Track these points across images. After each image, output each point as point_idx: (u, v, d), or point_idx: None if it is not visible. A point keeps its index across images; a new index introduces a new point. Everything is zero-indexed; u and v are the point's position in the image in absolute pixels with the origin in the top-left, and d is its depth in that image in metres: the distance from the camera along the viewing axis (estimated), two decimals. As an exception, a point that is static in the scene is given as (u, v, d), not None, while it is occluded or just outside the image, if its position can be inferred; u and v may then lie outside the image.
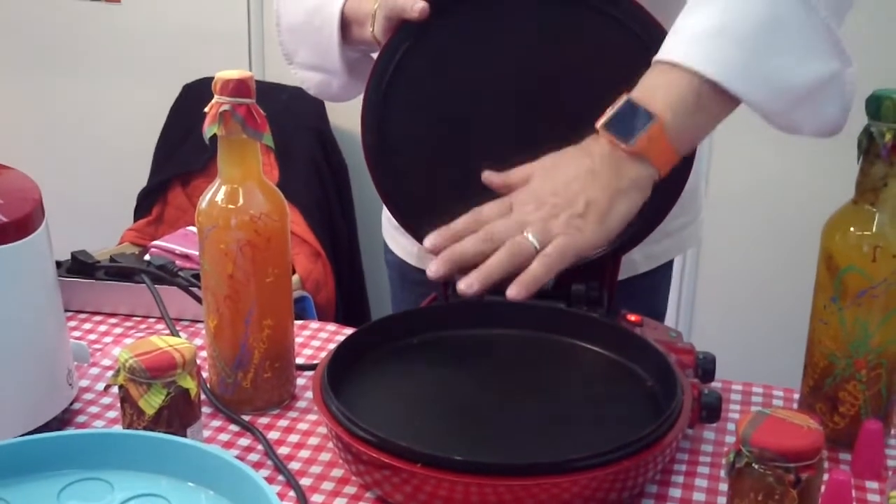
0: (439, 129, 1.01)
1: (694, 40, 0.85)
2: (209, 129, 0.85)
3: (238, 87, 0.85)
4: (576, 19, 0.95)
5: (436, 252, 0.89)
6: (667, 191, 0.93)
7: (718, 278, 2.14)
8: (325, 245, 2.24)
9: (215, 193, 0.88)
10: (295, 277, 2.11)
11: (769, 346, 1.96)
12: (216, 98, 0.85)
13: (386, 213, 1.23)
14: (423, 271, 0.96)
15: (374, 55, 1.00)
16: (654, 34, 0.90)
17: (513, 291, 0.84)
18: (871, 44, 1.66)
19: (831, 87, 0.86)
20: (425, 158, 1.01)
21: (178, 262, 1.14)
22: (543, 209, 0.87)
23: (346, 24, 1.03)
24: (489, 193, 0.92)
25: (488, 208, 0.90)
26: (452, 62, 0.99)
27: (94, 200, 2.67)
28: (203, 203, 0.89)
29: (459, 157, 0.99)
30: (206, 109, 0.86)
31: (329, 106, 2.32)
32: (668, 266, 1.21)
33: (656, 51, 0.87)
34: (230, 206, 0.87)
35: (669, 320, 2.09)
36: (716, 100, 0.84)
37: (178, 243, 2.05)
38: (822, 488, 0.73)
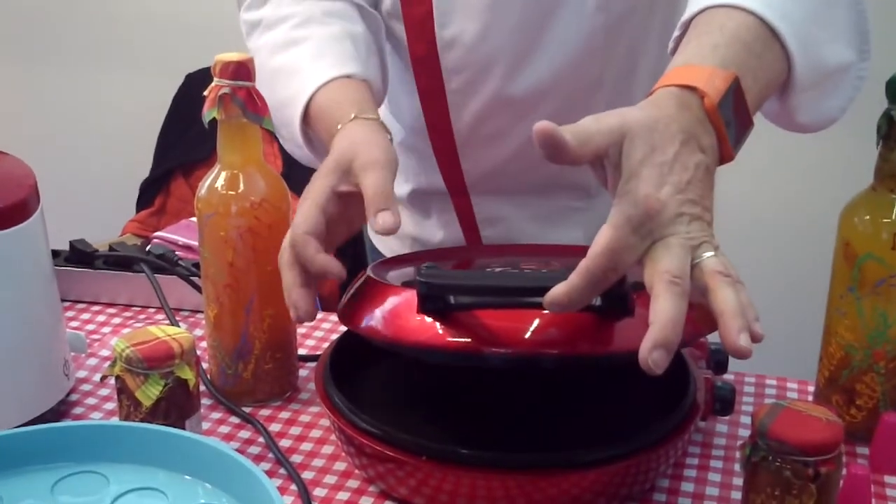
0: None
1: None
2: (208, 112, 0.83)
3: (238, 70, 0.82)
4: None
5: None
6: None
7: (738, 275, 2.11)
8: (329, 236, 2.21)
9: (215, 179, 0.86)
10: (298, 269, 2.09)
11: (783, 338, 1.93)
12: (216, 81, 0.83)
13: None
14: None
15: None
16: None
17: (745, 347, 0.60)
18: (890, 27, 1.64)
19: (844, 77, 0.84)
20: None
21: (181, 253, 1.12)
22: (694, 223, 0.64)
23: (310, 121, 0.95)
24: None
25: (619, 232, 0.63)
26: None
27: (96, 191, 2.65)
28: (202, 189, 0.86)
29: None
30: (206, 93, 0.84)
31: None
32: None
33: None
34: (230, 193, 0.85)
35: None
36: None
37: (180, 234, 2.02)
38: (840, 483, 0.71)
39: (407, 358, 0.85)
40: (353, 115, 0.85)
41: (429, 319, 0.71)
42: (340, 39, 0.97)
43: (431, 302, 0.72)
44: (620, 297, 0.67)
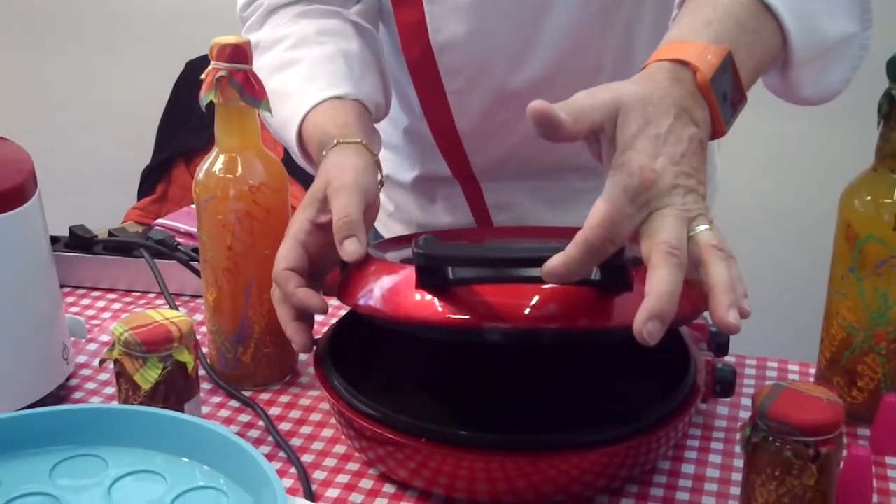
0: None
1: None
2: (205, 95, 0.83)
3: (235, 53, 0.82)
4: None
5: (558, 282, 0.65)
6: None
7: (731, 250, 2.10)
8: (330, 222, 2.21)
9: (213, 163, 0.86)
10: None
11: (784, 320, 1.93)
12: (213, 64, 0.83)
13: None
14: None
15: None
16: None
17: (734, 323, 0.61)
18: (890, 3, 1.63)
19: (846, 49, 0.83)
20: None
21: (182, 241, 1.11)
22: (689, 195, 0.64)
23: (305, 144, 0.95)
24: None
25: (616, 201, 0.63)
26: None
27: (98, 180, 2.65)
28: (200, 173, 0.86)
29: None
30: (203, 76, 0.83)
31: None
32: None
33: None
34: (228, 176, 0.85)
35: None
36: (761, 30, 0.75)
37: (181, 221, 2.03)
38: (841, 464, 0.70)
39: (406, 338, 0.85)
40: (335, 141, 0.86)
41: (428, 296, 0.71)
42: (333, 59, 0.97)
43: (429, 276, 0.71)
44: (619, 269, 0.67)
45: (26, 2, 2.66)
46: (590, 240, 0.62)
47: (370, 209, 0.82)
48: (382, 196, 0.94)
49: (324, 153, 0.86)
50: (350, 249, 0.76)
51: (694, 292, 0.63)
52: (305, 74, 0.96)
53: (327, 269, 0.83)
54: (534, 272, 0.66)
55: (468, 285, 0.71)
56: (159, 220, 2.10)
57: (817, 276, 0.92)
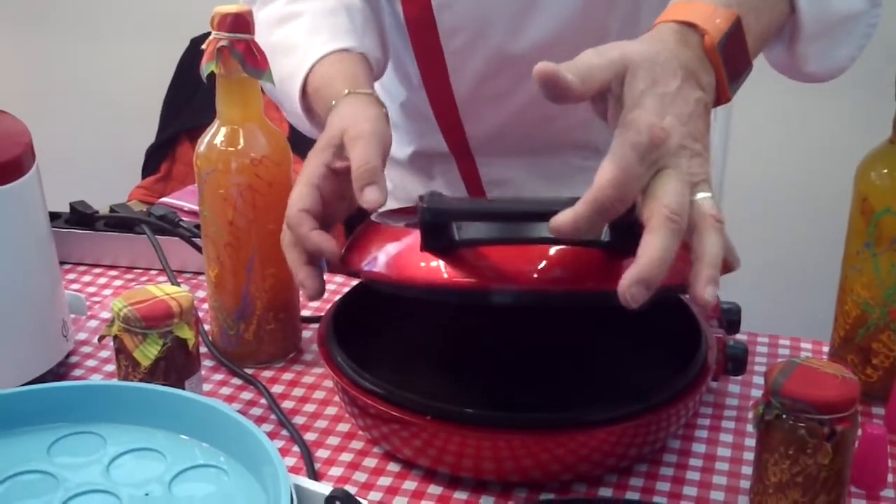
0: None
1: None
2: (206, 66, 0.81)
3: (236, 22, 0.80)
4: None
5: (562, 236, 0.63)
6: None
7: (742, 227, 2.08)
8: (336, 201, 2.20)
9: (214, 135, 0.84)
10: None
11: (797, 297, 1.91)
12: (213, 34, 0.81)
13: None
14: None
15: None
16: None
17: (709, 300, 0.60)
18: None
19: (855, 25, 0.82)
20: None
21: (186, 219, 1.10)
22: (695, 159, 0.63)
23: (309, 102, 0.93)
24: None
25: (629, 151, 0.61)
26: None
27: (102, 158, 2.63)
28: (201, 146, 0.85)
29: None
30: (204, 46, 0.82)
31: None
32: None
33: None
34: (230, 149, 0.83)
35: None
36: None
37: (186, 200, 2.01)
38: (856, 443, 0.69)
39: (411, 313, 0.83)
40: (346, 92, 0.84)
41: (433, 261, 0.69)
42: (336, 12, 0.95)
43: (435, 236, 0.69)
44: (628, 229, 0.65)
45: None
46: (599, 199, 0.60)
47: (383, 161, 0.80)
48: None
49: (334, 103, 0.83)
50: (371, 197, 0.73)
51: (689, 266, 0.61)
52: (308, 28, 0.94)
53: (336, 220, 0.80)
54: (542, 231, 0.64)
55: (474, 247, 0.69)
56: (163, 199, 2.09)
57: (833, 251, 0.90)
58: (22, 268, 0.81)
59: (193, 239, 1.03)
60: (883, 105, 0.79)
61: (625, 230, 0.64)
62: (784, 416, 0.65)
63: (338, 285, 1.03)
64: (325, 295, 0.97)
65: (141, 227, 1.05)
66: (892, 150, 0.78)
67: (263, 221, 0.84)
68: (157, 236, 1.04)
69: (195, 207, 1.99)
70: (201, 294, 1.00)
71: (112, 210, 1.10)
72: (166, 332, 0.76)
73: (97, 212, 1.09)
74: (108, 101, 2.64)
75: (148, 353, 0.75)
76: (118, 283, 1.05)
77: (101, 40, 2.62)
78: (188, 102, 2.30)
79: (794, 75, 0.83)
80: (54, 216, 1.01)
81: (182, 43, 2.35)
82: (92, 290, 1.04)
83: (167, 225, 1.05)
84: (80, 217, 1.08)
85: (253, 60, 0.81)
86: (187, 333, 0.77)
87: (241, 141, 0.83)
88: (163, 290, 0.78)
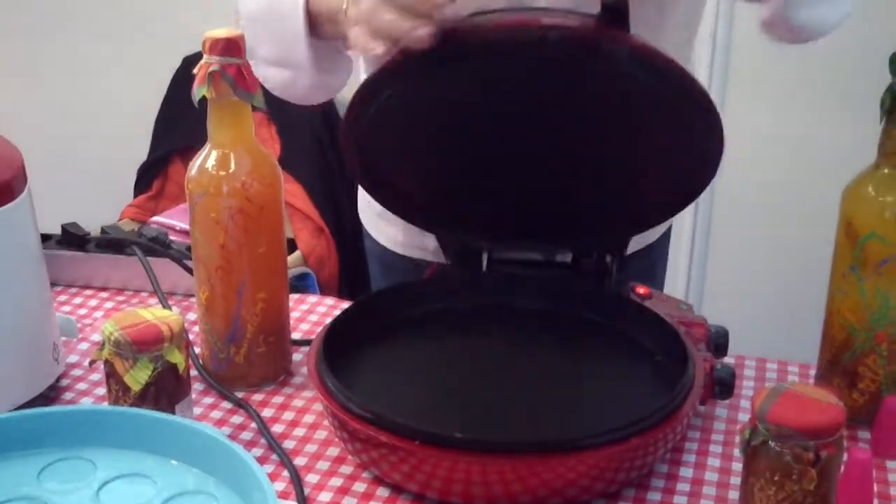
0: (434, 144, 0.92)
1: None
2: (198, 90, 0.82)
3: (227, 47, 0.81)
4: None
5: None
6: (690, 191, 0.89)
7: (730, 249, 2.09)
8: (328, 221, 2.19)
9: (205, 159, 0.85)
10: (297, 254, 2.07)
11: (784, 321, 1.92)
12: (205, 58, 0.82)
13: (365, 198, 1.13)
14: (408, 260, 0.87)
15: (348, 52, 0.92)
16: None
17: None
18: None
19: None
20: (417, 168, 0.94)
21: (177, 238, 1.10)
22: None
23: (313, 18, 0.91)
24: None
25: None
26: (446, 107, 0.88)
27: (94, 177, 2.63)
28: (192, 170, 0.85)
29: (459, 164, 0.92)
30: (195, 70, 0.82)
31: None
32: (666, 239, 1.17)
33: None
34: (221, 173, 0.84)
35: (679, 293, 2.06)
36: None
37: (177, 219, 2.01)
38: (842, 468, 0.69)
39: (401, 340, 0.84)
40: None
41: None
42: None
43: None
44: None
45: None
46: None
47: None
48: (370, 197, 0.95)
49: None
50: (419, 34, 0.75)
51: None
52: None
53: None
54: None
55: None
56: (155, 218, 2.09)
57: (819, 274, 0.90)
58: (13, 291, 0.81)
59: (185, 261, 1.03)
60: (871, 125, 0.80)
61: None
62: (770, 441, 0.66)
63: (328, 308, 1.03)
64: (316, 318, 0.97)
65: (132, 248, 1.06)
66: (878, 175, 0.79)
67: (254, 245, 0.84)
68: (148, 257, 1.04)
69: (187, 227, 2.00)
70: (192, 316, 1.00)
71: (103, 231, 1.10)
72: (157, 357, 0.76)
73: (89, 233, 1.09)
74: (100, 119, 2.64)
75: (138, 377, 0.75)
76: (109, 304, 1.06)
77: (94, 58, 2.62)
78: (181, 121, 2.31)
79: (781, 32, 0.83)
80: (45, 238, 1.01)
81: (174, 62, 2.36)
82: (83, 311, 1.04)
83: (158, 246, 1.05)
84: (72, 238, 1.08)
85: (243, 83, 0.82)
86: (178, 358, 0.77)
87: (233, 164, 0.84)
88: (153, 314, 0.78)
